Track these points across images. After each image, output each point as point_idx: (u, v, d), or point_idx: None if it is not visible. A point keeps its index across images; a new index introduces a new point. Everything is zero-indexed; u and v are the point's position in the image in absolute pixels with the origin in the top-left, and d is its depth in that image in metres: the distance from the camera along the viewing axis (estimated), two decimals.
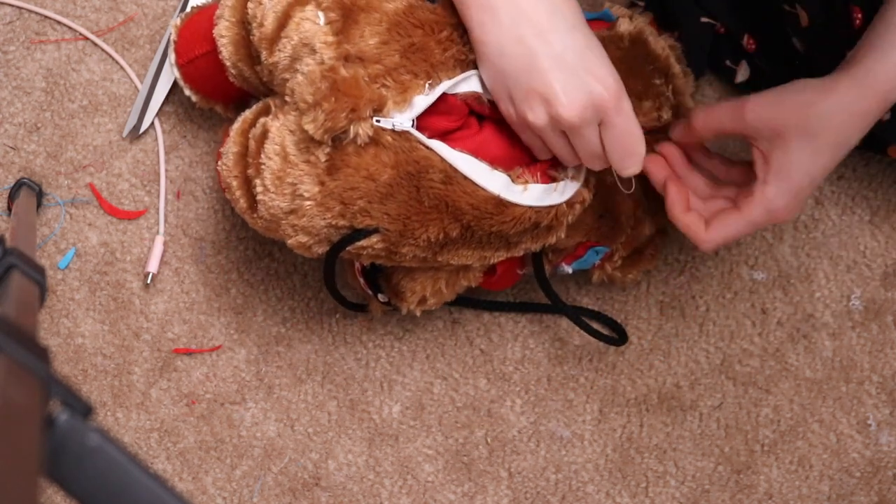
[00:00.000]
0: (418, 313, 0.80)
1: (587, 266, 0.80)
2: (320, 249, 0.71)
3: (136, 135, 0.89)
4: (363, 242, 0.69)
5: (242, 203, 0.72)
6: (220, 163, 0.74)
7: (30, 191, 0.86)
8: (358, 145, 0.65)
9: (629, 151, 0.65)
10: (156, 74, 0.88)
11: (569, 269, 0.79)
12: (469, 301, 0.87)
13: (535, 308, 0.88)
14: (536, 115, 0.63)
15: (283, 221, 0.69)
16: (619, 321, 0.87)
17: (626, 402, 0.88)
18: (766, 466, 0.87)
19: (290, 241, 0.71)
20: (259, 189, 0.69)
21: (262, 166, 0.68)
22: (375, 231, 0.68)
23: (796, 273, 0.88)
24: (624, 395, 0.88)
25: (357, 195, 0.66)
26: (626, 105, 0.63)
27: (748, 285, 0.88)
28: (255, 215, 0.72)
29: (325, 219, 0.68)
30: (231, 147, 0.72)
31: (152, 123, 0.89)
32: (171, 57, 0.82)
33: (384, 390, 0.88)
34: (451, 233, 0.69)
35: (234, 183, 0.72)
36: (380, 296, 0.80)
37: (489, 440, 0.88)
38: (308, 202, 0.67)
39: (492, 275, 0.79)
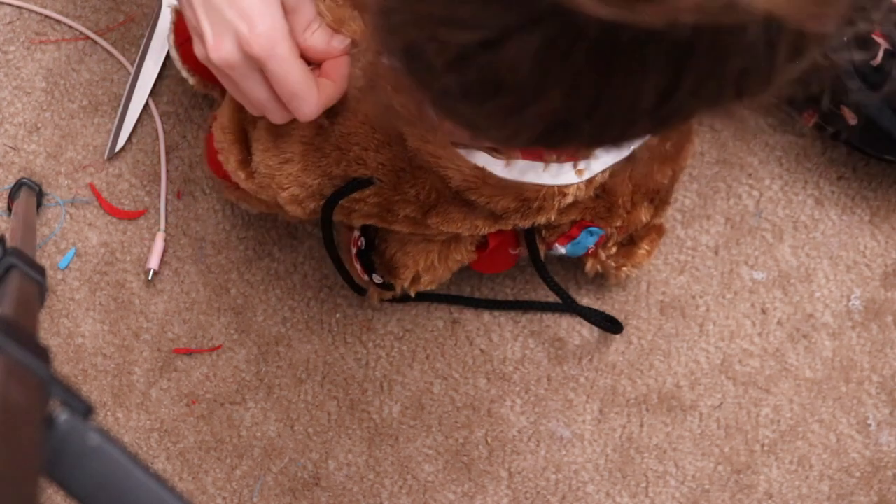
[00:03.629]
0: (412, 294, 0.81)
1: (581, 251, 0.80)
2: (313, 204, 0.71)
3: (112, 153, 0.89)
4: (357, 195, 0.69)
5: (233, 161, 0.72)
6: (214, 124, 0.75)
7: (30, 191, 0.86)
8: (358, 90, 0.65)
9: (292, 95, 0.59)
10: (132, 84, 0.89)
11: (563, 250, 0.79)
12: (469, 301, 0.88)
13: (536, 307, 0.88)
14: (198, 53, 0.60)
15: (278, 173, 0.69)
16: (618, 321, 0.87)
17: (626, 402, 0.88)
18: (766, 466, 0.87)
19: (283, 195, 0.71)
20: (256, 138, 0.69)
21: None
22: (370, 182, 0.68)
23: (796, 273, 0.88)
24: (624, 395, 0.88)
25: (354, 141, 0.67)
26: (281, 49, 0.57)
27: (748, 285, 0.88)
28: (247, 171, 0.72)
29: (320, 166, 0.68)
30: (227, 105, 0.73)
31: (129, 138, 0.89)
32: (171, 38, 0.82)
33: (384, 390, 0.89)
34: (442, 191, 0.69)
35: (230, 138, 0.72)
36: (374, 276, 0.80)
37: (489, 440, 0.88)
38: (305, 147, 0.68)
39: (484, 249, 0.79)
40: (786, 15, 0.32)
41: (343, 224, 0.82)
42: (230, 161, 0.73)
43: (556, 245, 0.79)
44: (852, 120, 0.80)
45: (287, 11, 0.59)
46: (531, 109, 0.37)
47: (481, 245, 0.79)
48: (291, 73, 0.59)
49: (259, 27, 0.57)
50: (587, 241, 0.79)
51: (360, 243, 0.79)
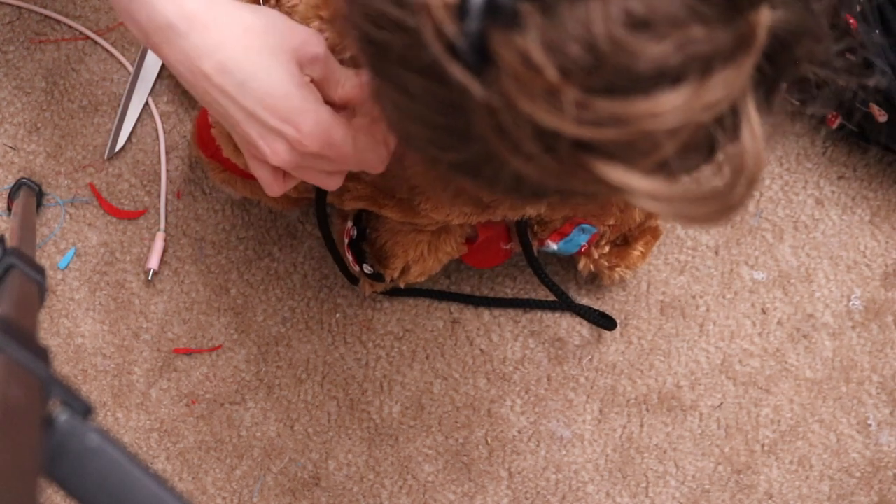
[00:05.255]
0: (402, 285, 0.81)
1: (574, 248, 0.80)
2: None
3: (112, 153, 0.89)
4: (353, 173, 0.70)
5: (231, 146, 0.73)
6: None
7: (30, 191, 0.86)
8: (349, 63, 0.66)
9: (361, 164, 0.60)
10: (130, 88, 0.89)
11: (554, 247, 0.79)
12: (468, 298, 0.88)
13: (533, 305, 0.88)
14: (276, 154, 0.58)
15: None
16: (618, 321, 0.87)
17: (626, 402, 0.88)
18: (766, 466, 0.87)
19: None
20: None
21: None
22: None
23: (796, 273, 0.88)
24: (624, 395, 0.88)
25: None
26: (335, 137, 0.57)
27: (748, 285, 0.88)
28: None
29: None
30: None
31: (129, 138, 0.89)
32: None
33: (384, 390, 0.89)
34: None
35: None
36: (365, 266, 0.81)
37: (489, 440, 0.88)
38: None
39: (473, 242, 0.79)
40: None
41: (337, 216, 0.82)
42: (227, 146, 0.73)
43: (549, 242, 0.79)
44: (881, 117, 0.79)
45: (319, 85, 0.59)
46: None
47: (471, 238, 0.79)
48: (354, 149, 0.59)
49: (305, 127, 0.56)
50: (579, 238, 0.79)
51: (352, 233, 0.80)
